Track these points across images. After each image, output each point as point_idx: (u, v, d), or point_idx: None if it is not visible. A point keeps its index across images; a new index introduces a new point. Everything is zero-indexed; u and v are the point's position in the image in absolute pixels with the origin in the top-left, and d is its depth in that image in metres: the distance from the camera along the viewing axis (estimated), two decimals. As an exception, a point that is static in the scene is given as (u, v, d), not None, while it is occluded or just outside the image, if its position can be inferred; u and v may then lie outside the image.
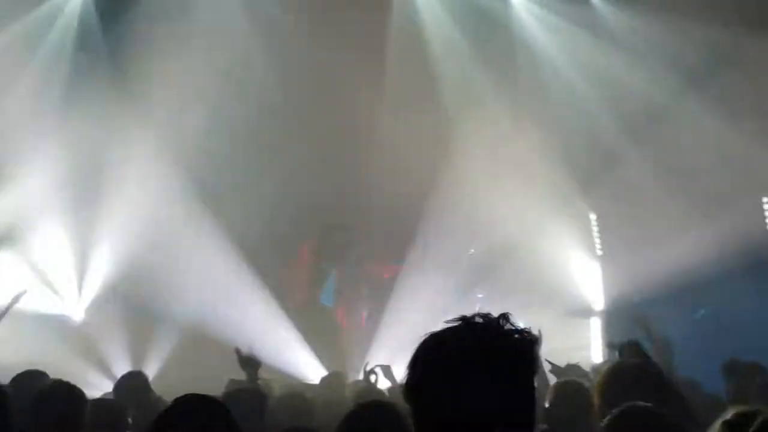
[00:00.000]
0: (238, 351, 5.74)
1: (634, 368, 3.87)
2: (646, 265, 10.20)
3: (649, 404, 3.19)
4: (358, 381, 7.25)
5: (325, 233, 11.49)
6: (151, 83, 10.12)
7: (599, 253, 11.06)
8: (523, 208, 10.60)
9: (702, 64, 9.90)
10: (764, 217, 10.69)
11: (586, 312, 10.81)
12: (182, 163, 10.25)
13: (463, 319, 2.01)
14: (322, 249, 11.59)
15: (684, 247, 10.05)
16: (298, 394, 5.51)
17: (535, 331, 2.02)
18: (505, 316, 2.01)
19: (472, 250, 10.44)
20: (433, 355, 1.99)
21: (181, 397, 3.16)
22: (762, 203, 10.67)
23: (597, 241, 11.06)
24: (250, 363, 5.58)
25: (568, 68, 10.71)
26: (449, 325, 2.02)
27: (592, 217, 11.09)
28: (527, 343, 1.99)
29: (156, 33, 10.11)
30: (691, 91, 9.97)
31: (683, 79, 10.03)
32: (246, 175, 10.66)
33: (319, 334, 10.36)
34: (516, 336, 1.99)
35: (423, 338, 2.02)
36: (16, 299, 9.10)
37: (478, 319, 2.01)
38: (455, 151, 10.52)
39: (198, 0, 10.48)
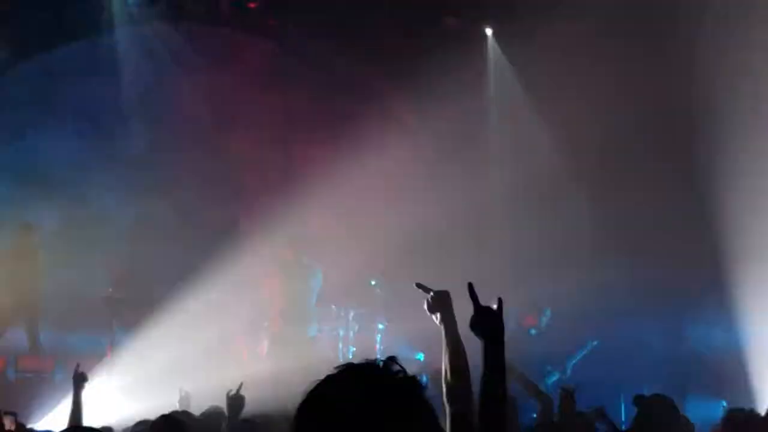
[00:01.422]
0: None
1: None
2: (544, 297, 10.44)
3: None
4: None
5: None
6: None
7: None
8: (425, 235, 10.70)
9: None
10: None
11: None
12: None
13: (349, 366, 1.99)
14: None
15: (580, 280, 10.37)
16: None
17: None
18: (392, 359, 2.00)
19: (374, 282, 10.45)
20: (320, 401, 1.96)
21: None
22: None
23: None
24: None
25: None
26: (336, 371, 1.99)
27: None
28: (412, 386, 1.97)
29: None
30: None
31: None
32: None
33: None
34: (401, 379, 1.97)
35: (312, 384, 1.99)
36: None
37: (364, 365, 1.99)
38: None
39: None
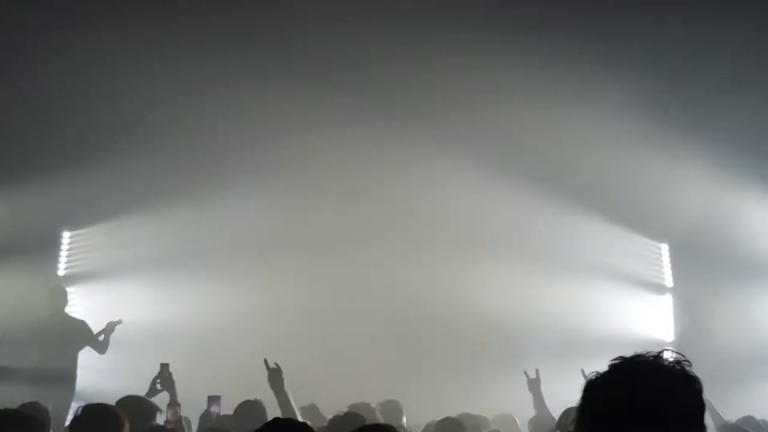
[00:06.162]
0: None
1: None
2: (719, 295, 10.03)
3: None
4: None
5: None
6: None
7: (670, 284, 10.84)
8: (591, 242, 10.45)
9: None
10: None
11: (656, 344, 10.57)
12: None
13: (639, 357, 1.98)
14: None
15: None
16: None
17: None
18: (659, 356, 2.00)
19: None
20: (615, 393, 1.93)
21: None
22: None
23: (668, 271, 10.85)
24: None
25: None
26: (617, 362, 1.98)
27: (664, 247, 10.90)
28: (699, 383, 1.97)
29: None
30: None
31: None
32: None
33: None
34: (690, 375, 1.95)
35: (593, 376, 1.98)
36: (110, 328, 9.41)
37: (650, 357, 1.98)
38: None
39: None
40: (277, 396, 5.81)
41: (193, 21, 9.47)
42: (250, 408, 5.75)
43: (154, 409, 5.28)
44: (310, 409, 6.99)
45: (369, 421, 4.50)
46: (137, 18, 9.36)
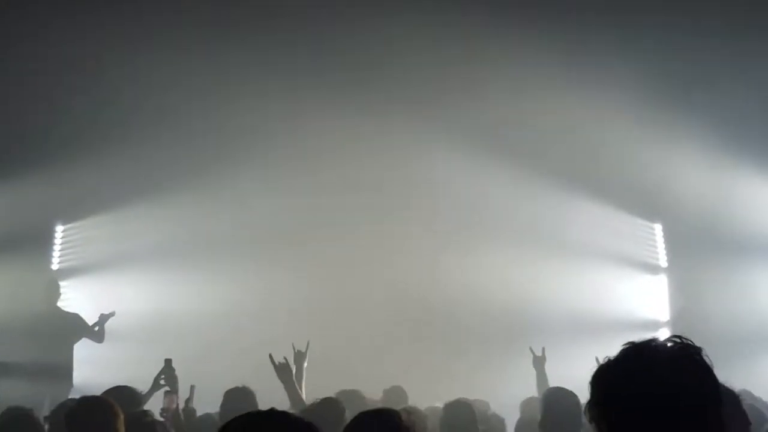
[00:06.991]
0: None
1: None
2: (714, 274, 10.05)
3: None
4: None
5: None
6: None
7: (664, 264, 10.86)
8: (585, 223, 10.46)
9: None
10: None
11: (651, 325, 10.62)
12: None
13: (650, 342, 1.97)
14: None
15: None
16: None
17: None
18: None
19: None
20: (627, 380, 1.92)
21: None
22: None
23: (662, 252, 10.86)
24: None
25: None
26: (627, 347, 1.97)
27: (658, 227, 10.91)
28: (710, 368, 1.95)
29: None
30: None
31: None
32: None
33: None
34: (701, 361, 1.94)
35: (603, 363, 1.99)
36: (103, 320, 9.40)
37: (661, 343, 1.96)
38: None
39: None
40: (286, 388, 5.82)
41: (191, 9, 9.39)
42: (237, 395, 5.73)
43: (140, 399, 5.27)
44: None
45: (363, 408, 4.47)
46: (131, 5, 9.30)
